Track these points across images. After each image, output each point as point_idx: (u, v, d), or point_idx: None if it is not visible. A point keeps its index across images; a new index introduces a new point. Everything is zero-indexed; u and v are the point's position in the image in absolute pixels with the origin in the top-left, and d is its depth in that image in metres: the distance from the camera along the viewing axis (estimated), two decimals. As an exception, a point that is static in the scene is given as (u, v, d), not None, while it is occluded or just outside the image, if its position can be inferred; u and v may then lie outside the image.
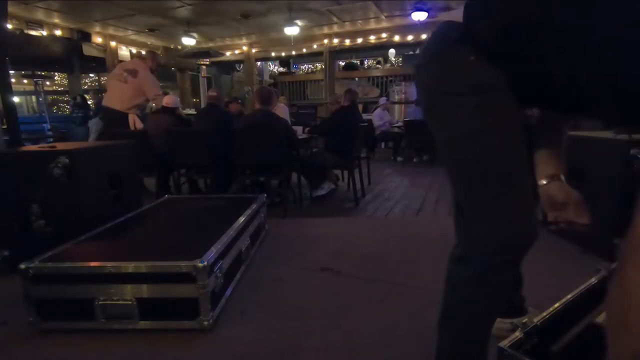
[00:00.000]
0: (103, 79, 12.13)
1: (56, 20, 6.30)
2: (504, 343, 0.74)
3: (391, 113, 7.53)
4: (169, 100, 4.02)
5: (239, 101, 5.65)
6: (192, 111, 7.61)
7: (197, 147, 3.32)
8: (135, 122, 3.97)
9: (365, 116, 6.27)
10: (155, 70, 4.16)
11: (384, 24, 7.29)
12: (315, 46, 8.47)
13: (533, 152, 0.98)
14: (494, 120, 0.80)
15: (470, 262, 0.85)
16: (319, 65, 11.00)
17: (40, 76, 8.99)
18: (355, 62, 10.59)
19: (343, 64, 10.21)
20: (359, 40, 7.92)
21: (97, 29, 7.00)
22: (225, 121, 3.67)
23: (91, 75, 13.06)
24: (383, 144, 7.51)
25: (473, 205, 0.86)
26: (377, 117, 6.62)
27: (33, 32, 6.10)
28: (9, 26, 5.40)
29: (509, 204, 0.81)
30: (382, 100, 7.08)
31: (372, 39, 7.76)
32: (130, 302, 1.41)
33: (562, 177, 0.93)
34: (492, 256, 0.82)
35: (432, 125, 0.88)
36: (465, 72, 0.81)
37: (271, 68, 12.37)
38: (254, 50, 8.96)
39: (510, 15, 0.75)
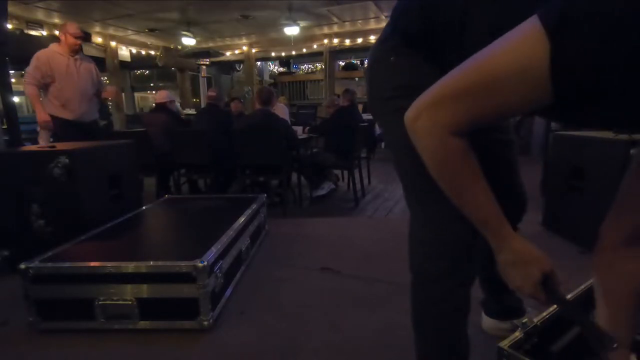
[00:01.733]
0: (103, 79, 12.14)
1: (56, 20, 6.29)
2: (504, 343, 0.74)
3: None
4: (159, 96, 4.01)
5: (241, 100, 5.64)
6: (192, 111, 7.61)
7: (197, 147, 3.32)
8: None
9: (365, 116, 6.25)
10: (72, 45, 3.08)
11: (384, 24, 7.21)
12: (315, 46, 8.47)
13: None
14: None
15: (412, 271, 0.87)
16: (319, 65, 10.98)
17: (40, 76, 8.97)
18: (355, 62, 10.58)
19: (343, 64, 10.20)
20: (359, 40, 7.92)
21: (97, 29, 7.00)
22: (225, 121, 3.67)
23: (91, 75, 13.03)
24: (383, 144, 7.50)
25: (411, 209, 0.87)
26: None
27: (33, 32, 6.10)
28: (9, 26, 5.39)
29: (438, 214, 0.78)
30: None
31: (372, 39, 7.75)
32: (130, 302, 1.41)
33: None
34: (427, 266, 0.82)
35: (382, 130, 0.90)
36: (389, 75, 0.81)
37: (271, 68, 12.37)
38: (254, 50, 8.96)
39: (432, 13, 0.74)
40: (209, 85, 10.49)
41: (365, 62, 11.44)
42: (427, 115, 0.60)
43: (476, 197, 0.64)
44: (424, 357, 0.91)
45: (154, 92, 12.58)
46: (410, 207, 0.88)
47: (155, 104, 4.02)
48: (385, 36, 0.84)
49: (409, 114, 0.62)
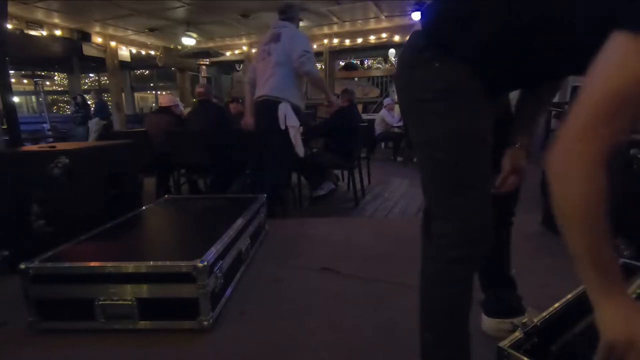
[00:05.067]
0: (103, 79, 12.18)
1: (56, 20, 6.30)
2: (504, 343, 0.74)
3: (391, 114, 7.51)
4: (164, 100, 4.04)
5: (240, 101, 5.64)
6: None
7: (195, 146, 3.31)
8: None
9: (365, 116, 6.24)
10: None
11: (384, 24, 7.29)
12: (315, 46, 8.46)
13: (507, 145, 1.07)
14: (456, 125, 0.85)
15: (433, 259, 0.94)
16: (319, 65, 10.97)
17: (40, 76, 9.00)
18: (355, 62, 10.58)
19: (343, 63, 10.21)
20: (359, 40, 7.92)
21: (97, 29, 7.00)
22: (220, 115, 3.64)
23: (91, 75, 13.09)
24: (383, 144, 7.50)
25: (435, 205, 0.93)
26: (388, 118, 6.49)
27: (33, 32, 6.10)
28: (9, 26, 5.40)
29: (465, 205, 0.87)
30: (388, 100, 6.96)
31: (372, 39, 7.76)
32: (130, 302, 1.41)
33: (519, 145, 1.04)
34: (449, 253, 0.89)
35: (409, 130, 0.96)
36: (432, 79, 0.86)
37: (271, 68, 12.34)
38: (254, 50, 8.95)
39: (499, 24, 0.77)
40: (209, 85, 10.48)
41: (366, 62, 11.50)
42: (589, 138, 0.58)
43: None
44: (431, 347, 0.93)
45: (154, 92, 12.60)
46: (435, 200, 0.93)
47: (160, 106, 4.03)
48: (425, 45, 0.87)
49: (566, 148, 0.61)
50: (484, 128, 0.87)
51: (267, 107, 2.73)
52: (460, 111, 0.85)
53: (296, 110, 2.78)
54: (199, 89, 3.88)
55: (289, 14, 2.88)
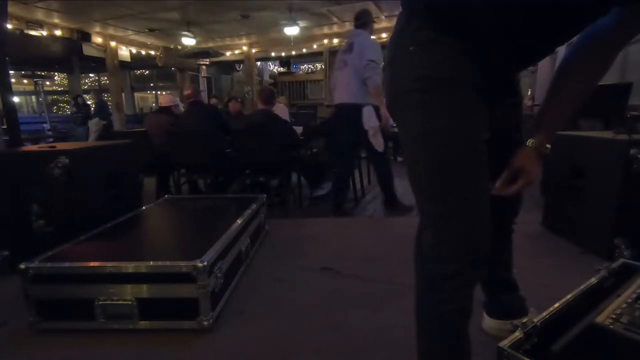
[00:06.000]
0: (103, 79, 12.19)
1: (56, 20, 6.30)
2: (504, 343, 0.74)
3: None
4: (164, 99, 4.03)
5: (239, 100, 5.65)
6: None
7: (194, 147, 3.30)
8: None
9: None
10: None
11: (384, 24, 7.28)
12: (315, 46, 8.47)
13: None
14: (438, 120, 0.75)
15: (420, 273, 0.87)
16: (319, 65, 11.00)
17: (40, 76, 9.01)
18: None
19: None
20: (359, 40, 7.90)
21: (97, 29, 7.00)
22: (213, 115, 3.62)
23: (91, 75, 13.10)
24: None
25: (420, 211, 0.84)
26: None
27: (33, 32, 6.10)
28: (9, 26, 5.39)
29: (450, 213, 0.77)
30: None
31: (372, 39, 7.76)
32: (130, 302, 1.41)
33: (531, 143, 0.87)
34: (433, 269, 0.82)
35: (396, 126, 0.87)
36: (408, 66, 0.77)
37: (271, 68, 12.37)
38: (254, 50, 8.96)
39: None
40: (209, 85, 10.49)
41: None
42: None
43: None
44: (427, 356, 0.91)
45: (154, 92, 12.61)
46: (419, 207, 0.85)
47: (160, 106, 4.03)
48: (401, 27, 0.80)
49: None
50: (472, 125, 0.76)
51: (350, 110, 3.01)
52: (442, 103, 0.74)
53: (376, 109, 3.03)
54: (186, 92, 3.83)
55: (362, 20, 3.08)
